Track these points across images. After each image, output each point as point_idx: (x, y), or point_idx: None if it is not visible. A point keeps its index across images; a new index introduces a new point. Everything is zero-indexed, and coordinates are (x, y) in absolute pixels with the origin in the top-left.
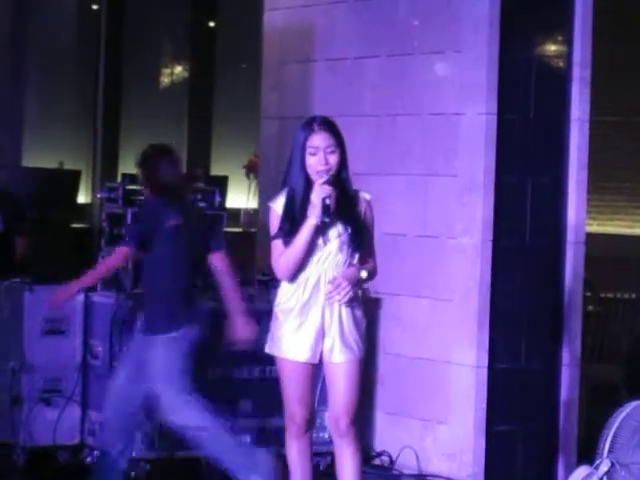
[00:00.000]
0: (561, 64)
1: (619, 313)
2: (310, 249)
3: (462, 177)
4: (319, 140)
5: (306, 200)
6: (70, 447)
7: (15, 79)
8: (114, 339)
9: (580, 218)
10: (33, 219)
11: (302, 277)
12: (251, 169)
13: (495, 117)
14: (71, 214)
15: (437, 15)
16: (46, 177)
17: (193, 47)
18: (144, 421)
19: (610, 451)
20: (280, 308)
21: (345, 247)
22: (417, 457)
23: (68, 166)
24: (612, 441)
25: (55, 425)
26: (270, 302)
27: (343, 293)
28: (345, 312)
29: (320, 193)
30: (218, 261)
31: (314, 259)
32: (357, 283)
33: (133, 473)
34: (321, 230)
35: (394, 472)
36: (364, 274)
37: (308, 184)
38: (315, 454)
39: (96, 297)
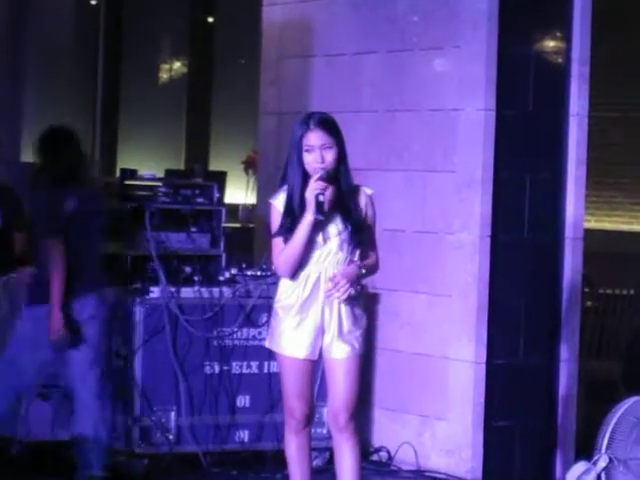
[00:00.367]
0: (560, 60)
1: (617, 309)
2: (309, 246)
3: (460, 173)
4: (314, 138)
5: (304, 197)
6: (68, 441)
7: (14, 74)
8: (112, 334)
9: (578, 214)
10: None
11: (302, 275)
12: (250, 165)
13: (494, 113)
14: None
15: (436, 11)
16: None
17: (192, 43)
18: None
19: (608, 447)
20: (280, 305)
21: (345, 245)
22: (415, 453)
23: None
24: (610, 437)
25: (53, 420)
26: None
27: (342, 290)
28: (345, 309)
29: (313, 189)
30: None
31: (314, 257)
32: (357, 280)
33: (131, 468)
34: (320, 226)
35: (392, 468)
36: (363, 271)
37: (306, 181)
38: (312, 449)
39: None
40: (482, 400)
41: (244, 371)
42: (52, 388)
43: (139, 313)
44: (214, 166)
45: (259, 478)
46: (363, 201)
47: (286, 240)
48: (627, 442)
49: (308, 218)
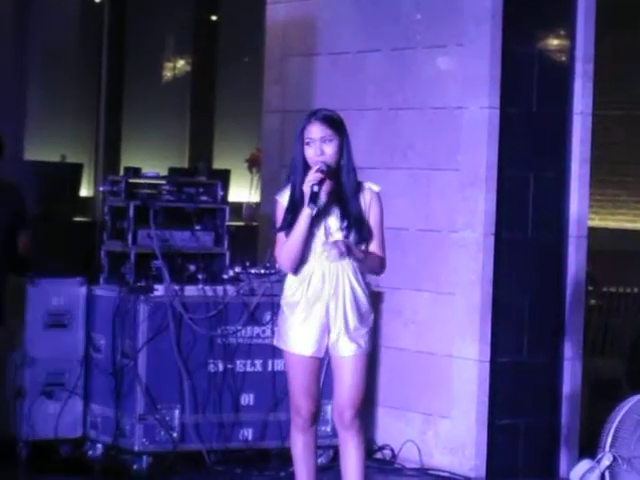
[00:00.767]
0: (563, 58)
1: (621, 307)
2: (310, 240)
3: (464, 171)
4: (314, 131)
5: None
6: (72, 440)
7: (18, 72)
8: (117, 332)
9: (582, 212)
10: (35, 212)
11: (306, 271)
12: (253, 163)
13: (497, 111)
14: (73, 207)
15: (439, 9)
16: (48, 170)
17: (195, 41)
18: None
19: (612, 445)
20: (286, 302)
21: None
22: (419, 451)
23: (70, 159)
24: (614, 435)
25: (57, 418)
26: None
27: (343, 247)
28: (350, 306)
29: (309, 180)
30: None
31: (317, 253)
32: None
33: (135, 466)
34: (321, 220)
35: (396, 466)
36: (362, 255)
37: (307, 174)
38: (317, 447)
39: (98, 290)
40: (486, 398)
41: (248, 369)
42: (56, 386)
43: (143, 311)
44: (218, 164)
45: (263, 476)
46: (368, 197)
47: (288, 235)
48: (631, 440)
49: (306, 210)
